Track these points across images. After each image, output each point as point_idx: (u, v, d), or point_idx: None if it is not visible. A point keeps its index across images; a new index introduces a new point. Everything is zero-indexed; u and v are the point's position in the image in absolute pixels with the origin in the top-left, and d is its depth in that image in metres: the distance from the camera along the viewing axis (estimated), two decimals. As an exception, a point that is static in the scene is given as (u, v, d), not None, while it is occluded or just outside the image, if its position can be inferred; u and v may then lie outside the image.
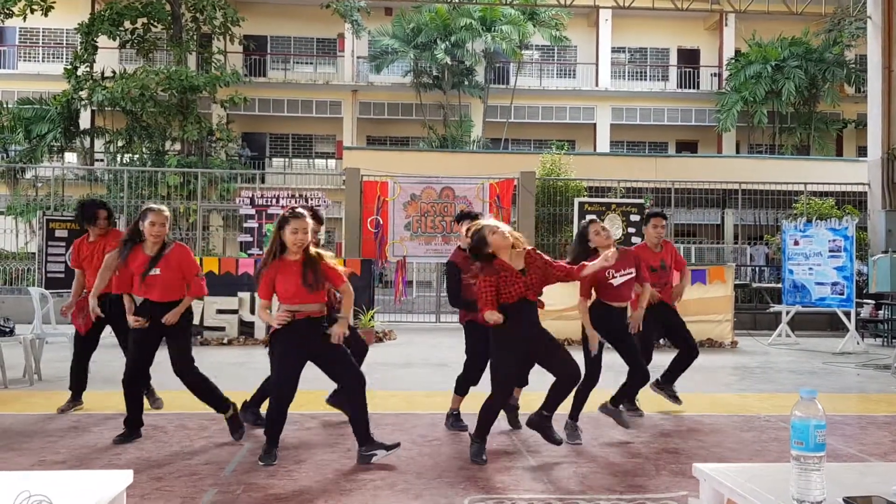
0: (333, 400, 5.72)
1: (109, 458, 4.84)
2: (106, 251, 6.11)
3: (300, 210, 4.81)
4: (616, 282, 5.49)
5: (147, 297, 5.31)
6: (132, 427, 5.32)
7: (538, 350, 4.81)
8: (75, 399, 6.39)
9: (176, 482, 4.29)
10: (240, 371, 8.56)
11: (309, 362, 4.82)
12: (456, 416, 5.76)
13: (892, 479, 1.93)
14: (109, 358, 9.62)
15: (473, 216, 5.64)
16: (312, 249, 4.77)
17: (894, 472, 1.99)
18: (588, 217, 5.80)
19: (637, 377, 5.62)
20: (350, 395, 4.84)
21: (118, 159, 22.92)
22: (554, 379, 4.85)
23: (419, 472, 4.55)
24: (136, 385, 5.39)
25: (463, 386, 5.71)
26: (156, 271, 5.25)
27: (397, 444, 4.83)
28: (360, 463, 4.71)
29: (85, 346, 6.38)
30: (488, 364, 5.10)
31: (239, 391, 6.28)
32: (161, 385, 6.25)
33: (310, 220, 4.83)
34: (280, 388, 4.75)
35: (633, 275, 5.57)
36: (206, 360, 9.22)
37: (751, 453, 5.15)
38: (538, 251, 4.85)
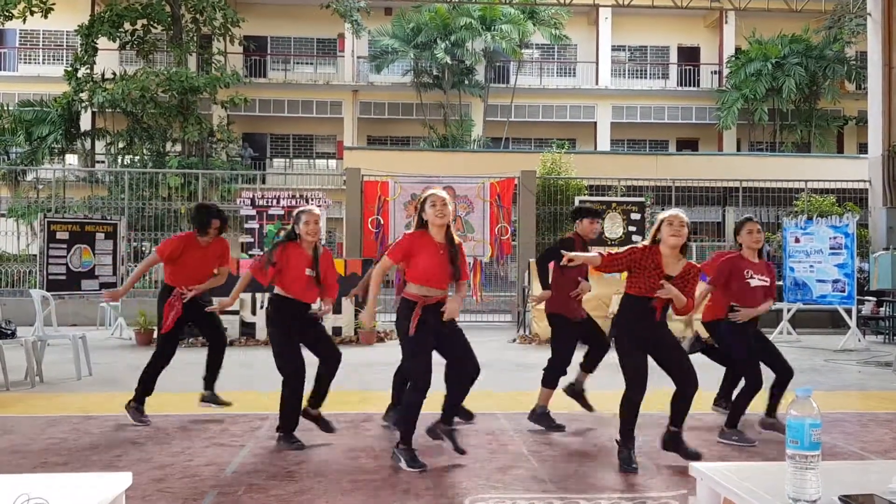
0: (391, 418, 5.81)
1: (111, 459, 4.85)
2: (214, 258, 6.06)
3: (437, 189, 4.93)
4: (753, 283, 5.43)
5: (295, 296, 5.26)
6: (289, 429, 5.23)
7: (660, 352, 4.73)
8: (139, 403, 6.02)
9: (177, 483, 4.29)
10: (242, 372, 8.56)
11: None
12: (545, 414, 5.78)
13: (890, 478, 1.93)
14: (112, 360, 9.65)
15: (593, 211, 6.02)
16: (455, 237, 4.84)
17: (893, 469, 1.99)
18: (746, 215, 5.76)
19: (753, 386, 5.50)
20: (462, 380, 4.85)
21: (119, 161, 22.95)
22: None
23: (420, 472, 4.55)
24: (300, 383, 5.24)
25: (551, 378, 5.81)
26: (311, 272, 5.27)
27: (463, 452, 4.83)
28: (427, 432, 4.90)
29: (173, 345, 6.11)
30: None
31: (242, 391, 6.30)
32: (165, 386, 6.25)
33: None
34: (423, 378, 4.68)
35: (768, 283, 5.49)
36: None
37: (751, 451, 5.16)
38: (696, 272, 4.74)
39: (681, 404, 4.77)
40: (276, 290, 5.28)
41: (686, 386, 4.72)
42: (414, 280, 4.73)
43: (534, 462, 4.82)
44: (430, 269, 4.68)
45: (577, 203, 14.03)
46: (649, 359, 4.73)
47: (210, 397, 6.12)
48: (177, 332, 6.09)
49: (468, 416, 5.72)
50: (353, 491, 4.17)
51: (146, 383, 6.01)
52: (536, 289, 11.92)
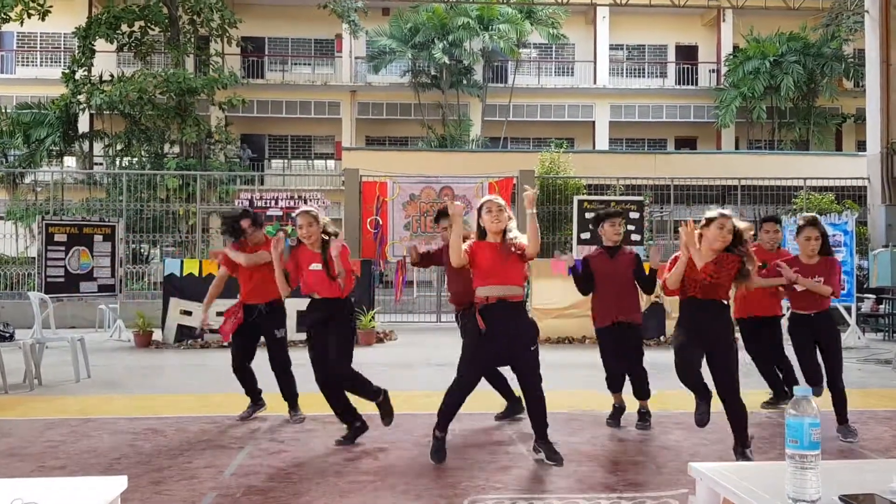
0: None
1: (109, 462, 4.83)
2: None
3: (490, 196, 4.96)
4: (799, 288, 5.45)
5: (311, 292, 5.38)
6: (353, 420, 5.36)
7: (712, 349, 4.73)
8: (256, 403, 6.23)
9: (175, 486, 4.28)
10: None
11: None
12: (618, 408, 5.91)
13: (890, 476, 1.92)
14: (111, 362, 9.64)
15: (611, 213, 5.91)
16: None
17: (893, 469, 1.98)
18: (805, 214, 5.76)
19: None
20: (527, 398, 4.83)
21: (117, 163, 22.94)
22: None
23: (419, 472, 4.55)
24: (334, 383, 5.34)
25: (608, 385, 5.91)
26: (317, 266, 5.30)
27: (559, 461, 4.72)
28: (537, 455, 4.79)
29: (236, 350, 6.16)
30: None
31: (242, 393, 6.27)
32: (164, 388, 6.23)
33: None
34: (466, 378, 4.77)
35: (820, 281, 5.44)
36: (207, 361, 9.22)
37: (752, 450, 5.14)
38: (736, 249, 4.67)
39: (728, 415, 4.73)
40: None
41: (721, 393, 4.71)
42: (477, 283, 4.77)
43: (533, 462, 4.80)
44: (488, 268, 4.69)
45: (575, 202, 14.05)
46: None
47: (294, 417, 6.07)
48: (241, 339, 6.11)
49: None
50: (351, 492, 4.15)
51: (242, 384, 6.19)
52: (538, 293, 11.95)
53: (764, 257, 6.04)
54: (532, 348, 4.73)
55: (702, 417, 4.86)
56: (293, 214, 5.53)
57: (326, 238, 5.39)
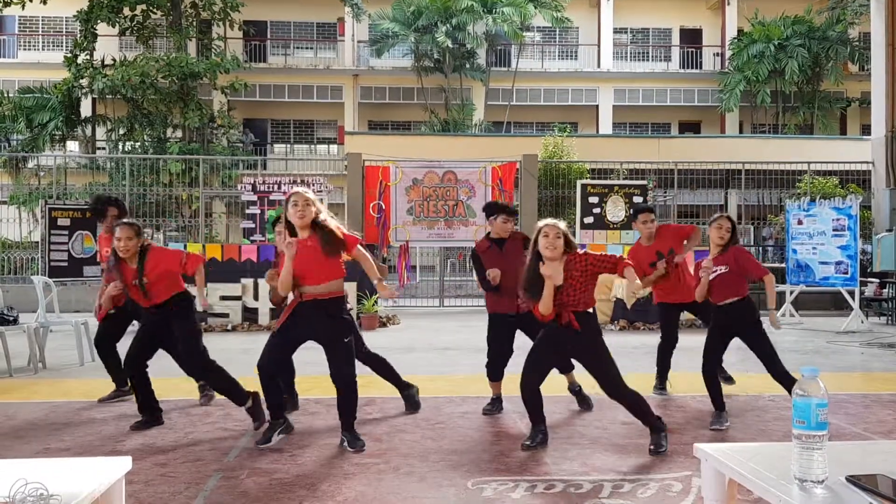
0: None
1: (114, 444, 4.86)
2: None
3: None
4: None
5: (143, 305, 5.38)
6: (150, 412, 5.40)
7: (577, 353, 4.83)
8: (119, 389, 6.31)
9: (180, 468, 4.30)
10: (246, 357, 8.54)
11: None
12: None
13: (895, 458, 1.92)
14: (117, 347, 9.65)
15: (507, 209, 5.81)
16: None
17: (897, 450, 1.97)
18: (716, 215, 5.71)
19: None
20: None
21: (120, 147, 22.92)
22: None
23: (423, 455, 4.56)
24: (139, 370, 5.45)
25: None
26: (145, 280, 5.24)
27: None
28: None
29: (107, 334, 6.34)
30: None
31: (246, 377, 6.27)
32: (167, 372, 6.24)
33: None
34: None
35: (725, 271, 5.32)
36: (209, 345, 9.22)
37: (754, 433, 5.16)
38: (584, 252, 4.69)
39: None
40: None
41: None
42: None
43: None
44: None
45: (579, 187, 14.01)
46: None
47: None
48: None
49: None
50: (356, 475, 4.17)
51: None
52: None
53: (642, 254, 6.22)
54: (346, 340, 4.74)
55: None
56: (115, 225, 5.38)
57: (142, 249, 5.30)
